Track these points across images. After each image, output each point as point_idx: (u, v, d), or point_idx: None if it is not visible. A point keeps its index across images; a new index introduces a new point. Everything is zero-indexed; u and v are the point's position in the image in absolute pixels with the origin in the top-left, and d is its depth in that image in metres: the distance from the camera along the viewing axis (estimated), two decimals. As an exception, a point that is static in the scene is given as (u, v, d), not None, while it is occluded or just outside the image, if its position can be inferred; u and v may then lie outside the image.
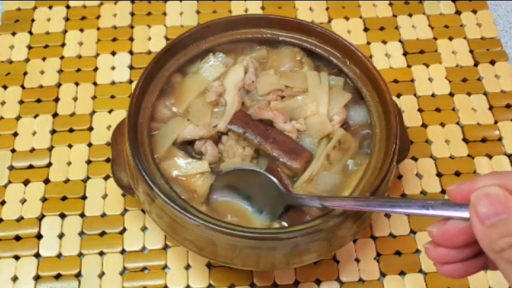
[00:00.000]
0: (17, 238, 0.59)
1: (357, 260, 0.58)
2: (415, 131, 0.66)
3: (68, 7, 0.76)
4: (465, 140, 0.66)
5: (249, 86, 0.58)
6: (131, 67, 0.71)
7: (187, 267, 0.58)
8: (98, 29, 0.74)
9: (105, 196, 0.62)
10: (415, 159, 0.65)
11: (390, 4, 0.77)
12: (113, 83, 0.70)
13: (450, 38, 0.74)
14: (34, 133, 0.66)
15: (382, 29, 0.75)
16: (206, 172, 0.54)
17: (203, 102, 0.57)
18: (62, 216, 0.61)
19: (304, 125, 0.56)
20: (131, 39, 0.73)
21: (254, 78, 0.58)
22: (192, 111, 0.57)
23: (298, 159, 0.53)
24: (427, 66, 0.71)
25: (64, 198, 0.62)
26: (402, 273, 0.58)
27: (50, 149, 0.65)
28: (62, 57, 0.72)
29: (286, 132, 0.55)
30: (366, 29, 0.75)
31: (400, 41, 0.74)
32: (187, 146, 0.56)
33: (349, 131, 0.57)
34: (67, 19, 0.75)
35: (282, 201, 0.52)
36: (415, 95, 0.70)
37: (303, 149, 0.54)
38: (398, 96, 0.69)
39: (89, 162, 0.64)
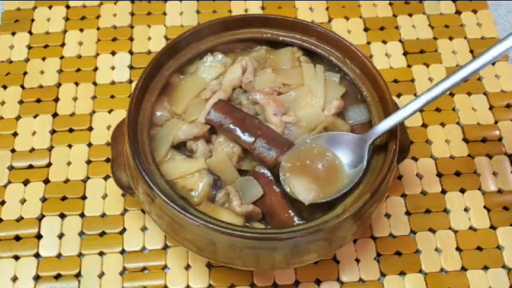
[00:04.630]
0: (17, 238, 0.59)
1: (357, 260, 0.58)
2: (415, 131, 0.66)
3: (67, 7, 0.76)
4: (465, 140, 0.66)
5: (246, 86, 0.58)
6: (131, 67, 0.71)
7: (187, 267, 0.58)
8: (98, 29, 0.74)
9: (105, 196, 0.62)
10: (415, 159, 0.65)
11: (390, 4, 0.77)
12: (113, 83, 0.70)
13: (450, 38, 0.74)
14: (34, 133, 0.66)
15: (382, 28, 0.75)
16: (202, 169, 0.54)
17: (200, 101, 0.58)
18: (62, 216, 0.61)
19: (294, 117, 0.56)
20: (131, 39, 0.73)
21: (252, 78, 0.58)
22: (188, 111, 0.58)
23: (272, 156, 0.53)
24: (427, 66, 0.71)
25: (64, 198, 0.62)
26: (402, 273, 0.58)
27: (50, 149, 0.65)
28: (61, 57, 0.72)
29: (271, 125, 0.55)
30: (366, 29, 0.75)
31: (400, 40, 0.74)
32: (183, 147, 0.56)
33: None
34: (67, 19, 0.75)
35: (363, 143, 0.53)
36: (415, 95, 0.69)
37: (281, 143, 0.54)
38: (399, 96, 0.69)
39: (88, 162, 0.64)
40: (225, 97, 0.57)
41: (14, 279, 0.57)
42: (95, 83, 0.70)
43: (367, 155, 0.53)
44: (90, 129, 0.66)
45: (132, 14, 0.75)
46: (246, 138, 0.54)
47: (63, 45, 0.73)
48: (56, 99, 0.68)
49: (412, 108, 0.52)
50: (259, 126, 0.54)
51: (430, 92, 0.51)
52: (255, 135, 0.54)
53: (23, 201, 0.62)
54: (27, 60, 0.71)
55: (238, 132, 0.54)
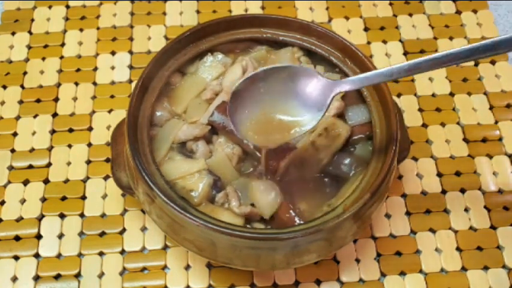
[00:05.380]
0: (17, 238, 0.59)
1: (357, 260, 0.58)
2: (415, 131, 0.66)
3: (67, 7, 0.76)
4: (465, 140, 0.66)
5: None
6: (131, 67, 0.71)
7: (187, 267, 0.58)
8: (98, 28, 0.74)
9: (105, 196, 0.62)
10: (415, 159, 0.65)
11: (390, 4, 0.77)
12: (113, 82, 0.70)
13: (450, 38, 0.74)
14: (34, 133, 0.66)
15: (382, 28, 0.75)
16: (202, 170, 0.54)
17: (200, 101, 0.58)
18: (62, 216, 0.61)
19: None
20: (131, 39, 0.73)
21: (252, 79, 0.58)
22: (188, 111, 0.58)
23: (275, 159, 0.53)
24: (428, 66, 0.71)
25: (64, 198, 0.62)
26: (402, 274, 0.58)
27: (50, 149, 0.65)
28: (61, 57, 0.71)
29: None
30: (366, 29, 0.75)
31: (400, 40, 0.73)
32: (183, 147, 0.56)
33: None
34: (67, 19, 0.75)
35: (329, 91, 0.49)
36: (415, 94, 0.69)
37: (283, 148, 0.53)
38: (399, 96, 0.69)
39: (88, 162, 0.64)
40: (228, 99, 0.57)
41: (14, 279, 0.57)
42: (94, 83, 0.70)
43: (328, 104, 0.50)
44: (90, 129, 0.66)
45: (132, 13, 0.75)
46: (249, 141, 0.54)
47: (63, 45, 0.73)
48: (56, 99, 0.68)
49: (390, 70, 0.48)
50: None
51: (413, 61, 0.47)
52: None
53: (23, 201, 0.62)
54: (27, 60, 0.71)
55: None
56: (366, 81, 0.49)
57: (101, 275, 0.58)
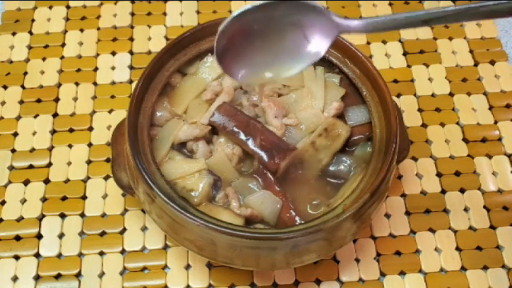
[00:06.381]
0: (17, 238, 0.60)
1: (357, 260, 0.59)
2: (415, 131, 0.66)
3: (68, 7, 0.76)
4: (465, 140, 0.66)
5: (246, 87, 0.58)
6: (131, 67, 0.71)
7: (187, 267, 0.58)
8: (98, 29, 0.74)
9: (105, 196, 0.62)
10: (415, 159, 0.65)
11: (390, 4, 0.77)
12: (113, 83, 0.70)
13: (450, 38, 0.74)
14: (34, 133, 0.66)
15: (382, 29, 0.75)
16: (203, 170, 0.54)
17: (200, 102, 0.58)
18: (62, 216, 0.61)
19: (295, 119, 0.56)
20: (131, 39, 0.73)
21: (252, 79, 0.58)
22: (188, 112, 0.58)
23: (273, 161, 0.53)
24: (427, 66, 0.72)
25: (64, 198, 0.62)
26: (402, 273, 0.58)
27: (50, 149, 0.65)
28: (62, 57, 0.72)
29: (272, 128, 0.55)
30: (365, 29, 0.75)
31: (400, 41, 0.74)
32: (184, 148, 0.57)
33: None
34: (67, 19, 0.75)
35: (333, 30, 0.44)
36: (415, 95, 0.70)
37: (283, 149, 0.54)
38: (398, 96, 0.69)
39: (89, 162, 0.64)
40: (229, 99, 0.57)
41: (15, 279, 0.57)
42: (95, 83, 0.70)
43: (330, 44, 0.45)
44: (91, 129, 0.67)
45: (132, 14, 0.75)
46: (249, 142, 0.54)
47: (63, 45, 0.73)
48: (56, 99, 0.68)
49: (393, 16, 0.43)
50: (262, 130, 0.54)
51: (429, 10, 0.43)
52: (257, 140, 0.54)
53: (23, 201, 0.62)
54: (27, 60, 0.71)
55: (241, 135, 0.54)
56: (377, 26, 0.44)
57: (101, 275, 0.58)
